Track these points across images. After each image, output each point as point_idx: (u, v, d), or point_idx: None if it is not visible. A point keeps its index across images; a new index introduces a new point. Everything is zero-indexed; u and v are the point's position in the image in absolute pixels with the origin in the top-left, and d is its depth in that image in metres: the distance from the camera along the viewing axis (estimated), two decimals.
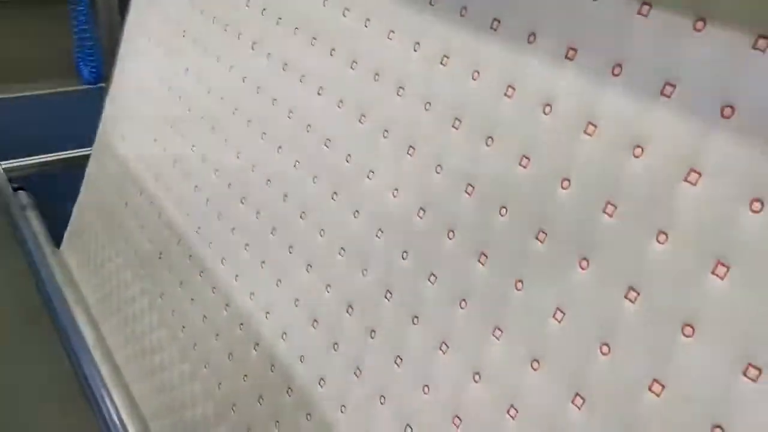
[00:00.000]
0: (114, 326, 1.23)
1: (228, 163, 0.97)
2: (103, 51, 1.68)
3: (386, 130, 0.72)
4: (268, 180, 0.88)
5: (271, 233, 0.86)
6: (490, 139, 0.61)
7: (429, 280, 0.64)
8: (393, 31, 0.72)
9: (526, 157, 0.57)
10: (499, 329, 0.58)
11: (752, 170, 0.42)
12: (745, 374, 0.41)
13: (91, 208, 1.39)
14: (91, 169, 1.42)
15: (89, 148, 1.44)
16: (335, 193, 0.77)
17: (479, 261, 0.60)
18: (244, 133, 0.94)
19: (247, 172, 0.92)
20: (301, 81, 0.85)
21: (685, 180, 0.46)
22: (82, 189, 1.44)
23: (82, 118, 1.47)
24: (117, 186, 1.28)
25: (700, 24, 0.46)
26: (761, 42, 0.42)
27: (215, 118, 1.01)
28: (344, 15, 0.79)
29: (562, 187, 0.54)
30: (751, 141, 0.43)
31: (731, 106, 0.44)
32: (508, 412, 0.56)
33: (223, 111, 1.00)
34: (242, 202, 0.92)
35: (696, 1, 0.46)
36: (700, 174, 0.45)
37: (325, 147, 0.80)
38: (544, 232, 0.55)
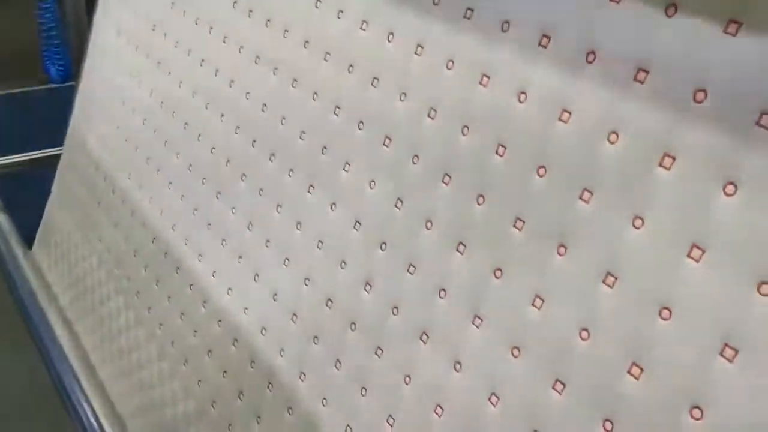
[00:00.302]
0: (89, 326, 1.21)
1: (202, 159, 0.96)
2: (70, 49, 1.65)
3: (361, 122, 0.71)
4: (243, 174, 0.87)
5: (248, 228, 0.85)
6: (465, 128, 0.61)
7: (408, 270, 0.64)
8: (366, 22, 0.72)
9: (502, 146, 0.57)
10: (478, 317, 0.58)
11: (725, 153, 0.43)
12: (722, 355, 0.42)
13: (63, 208, 1.36)
14: (62, 168, 1.40)
15: (59, 148, 1.41)
16: (311, 186, 0.77)
17: (457, 250, 0.60)
18: (217, 128, 0.93)
19: (221, 167, 0.91)
20: (274, 73, 0.84)
21: (660, 165, 0.46)
22: (54, 188, 1.42)
23: (50, 118, 1.45)
24: (89, 184, 1.26)
25: (671, 10, 0.46)
26: (731, 26, 0.43)
27: (188, 113, 1.00)
28: (316, 6, 0.79)
29: (539, 175, 0.54)
30: (724, 125, 0.43)
31: (703, 90, 0.44)
32: (489, 399, 0.56)
33: (195, 106, 0.98)
34: (217, 198, 0.92)
35: None
36: (674, 158, 0.46)
37: (300, 140, 0.79)
38: (521, 220, 0.55)
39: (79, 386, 1.09)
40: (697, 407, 0.43)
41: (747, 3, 0.42)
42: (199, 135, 0.97)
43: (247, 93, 0.88)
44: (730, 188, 0.43)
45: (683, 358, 0.44)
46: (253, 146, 0.87)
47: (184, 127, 1.01)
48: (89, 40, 1.33)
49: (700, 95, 0.44)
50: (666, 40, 0.46)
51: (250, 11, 0.89)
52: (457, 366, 0.59)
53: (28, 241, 1.46)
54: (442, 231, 0.62)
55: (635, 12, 0.48)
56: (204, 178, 0.95)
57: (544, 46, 0.55)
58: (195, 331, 0.92)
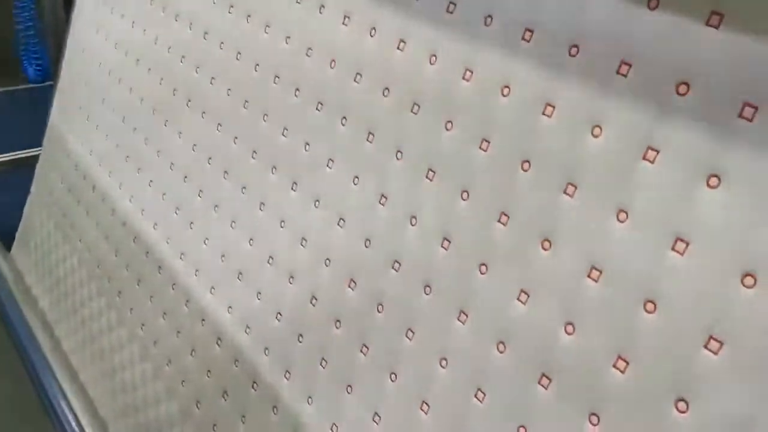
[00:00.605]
0: (70, 328, 1.19)
1: (183, 156, 0.94)
2: (48, 49, 1.62)
3: (344, 117, 0.71)
4: (226, 172, 0.86)
5: (231, 226, 0.85)
6: (449, 123, 0.60)
7: (393, 267, 0.64)
8: (348, 17, 0.71)
9: (486, 140, 0.57)
10: (464, 313, 0.57)
11: (708, 146, 0.43)
12: (707, 347, 0.42)
13: (42, 208, 1.34)
14: (41, 167, 1.37)
15: (38, 149, 1.39)
16: (295, 183, 0.76)
17: (442, 246, 0.60)
18: (198, 125, 0.92)
19: (203, 164, 0.90)
20: (256, 69, 0.83)
21: (644, 158, 0.46)
22: (32, 188, 1.39)
23: (28, 118, 1.42)
24: (69, 183, 1.24)
25: (653, 3, 0.46)
26: (714, 18, 0.43)
27: (169, 110, 0.99)
28: (298, 2, 0.78)
29: (523, 169, 0.54)
30: (706, 117, 0.43)
31: (686, 83, 0.44)
32: (475, 395, 0.56)
33: (176, 103, 0.97)
34: (199, 196, 0.90)
35: None
36: (657, 152, 0.46)
37: (283, 136, 0.78)
38: (506, 215, 0.55)
39: (60, 389, 1.08)
40: (682, 400, 0.43)
41: None
42: (180, 132, 0.96)
43: (229, 89, 0.87)
44: (713, 180, 0.43)
45: (668, 350, 0.44)
46: (235, 143, 0.86)
47: (165, 124, 0.99)
48: (67, 38, 1.31)
49: (683, 88, 0.44)
50: (648, 33, 0.46)
51: (231, 7, 0.88)
52: (443, 362, 0.59)
53: (10, 243, 1.43)
54: (426, 227, 0.62)
55: (617, 5, 0.48)
56: (186, 176, 0.94)
57: (527, 40, 0.54)
58: (178, 331, 0.91)
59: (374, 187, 0.67)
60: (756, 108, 0.41)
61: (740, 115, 0.41)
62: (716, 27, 0.43)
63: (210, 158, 0.90)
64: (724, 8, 0.42)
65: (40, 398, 1.07)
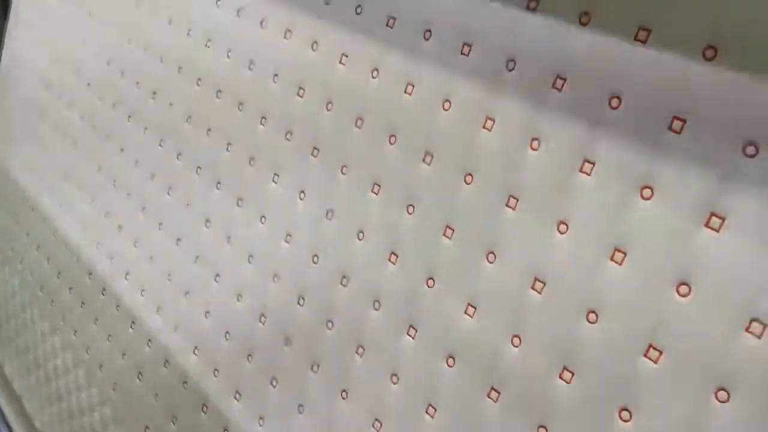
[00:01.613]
0: (12, 353, 1.15)
1: (125, 174, 0.92)
2: None
3: (289, 132, 0.70)
4: (170, 188, 0.85)
5: (176, 244, 0.83)
6: (392, 137, 0.60)
7: (341, 283, 0.63)
8: (290, 31, 0.71)
9: (429, 154, 0.57)
10: (413, 328, 0.57)
11: (641, 158, 0.44)
12: (646, 355, 0.43)
13: None
14: None
15: None
16: (240, 199, 0.75)
17: (390, 260, 0.60)
18: (140, 141, 0.90)
19: (147, 180, 0.88)
20: (198, 84, 0.82)
21: (581, 170, 0.47)
22: None
23: None
24: (7, 203, 1.19)
25: (585, 18, 0.47)
26: (641, 33, 0.44)
27: (109, 126, 0.96)
28: (238, 16, 0.77)
29: (466, 183, 0.54)
30: (638, 129, 0.44)
31: (618, 97, 0.45)
32: (426, 411, 0.56)
33: (117, 119, 0.95)
34: (143, 212, 0.88)
35: None
36: (593, 164, 0.46)
37: (226, 151, 0.77)
38: (451, 228, 0.55)
39: (2, 416, 1.04)
40: (626, 409, 0.44)
41: (652, 12, 0.43)
42: (122, 148, 0.93)
43: (171, 104, 0.86)
44: (647, 191, 0.44)
45: (611, 360, 0.45)
46: (178, 159, 0.84)
47: (106, 139, 0.97)
48: (1, 56, 1.26)
49: (615, 102, 0.45)
50: (581, 49, 0.47)
51: (170, 21, 0.86)
52: (394, 378, 0.58)
53: None
54: (374, 241, 0.61)
55: (551, 21, 0.49)
56: (128, 193, 0.91)
57: (466, 54, 0.55)
58: (123, 354, 0.89)
59: (321, 203, 0.66)
60: (684, 121, 0.42)
61: (670, 128, 0.42)
62: (644, 42, 0.44)
63: (153, 175, 0.88)
64: (651, 24, 0.43)
65: None
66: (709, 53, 0.41)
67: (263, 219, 0.72)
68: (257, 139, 0.74)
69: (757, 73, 0.38)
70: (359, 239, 0.63)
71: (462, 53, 0.55)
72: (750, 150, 0.39)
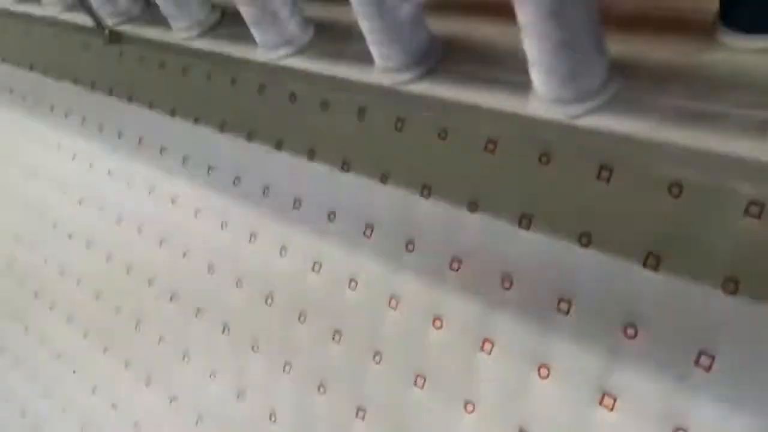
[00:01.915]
0: None
1: (31, 357, 0.87)
2: None
3: (198, 309, 0.69)
4: (74, 371, 0.81)
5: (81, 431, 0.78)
6: (302, 316, 0.61)
7: None
8: (199, 211, 0.72)
9: (338, 333, 0.58)
10: None
11: (535, 338, 0.46)
12: None
13: None
14: None
15: None
16: (149, 378, 0.72)
17: None
18: (47, 320, 0.87)
19: (49, 363, 0.84)
20: (107, 261, 0.81)
21: (482, 349, 0.48)
22: None
23: None
24: None
25: (473, 207, 0.50)
26: (524, 221, 0.47)
27: (18, 303, 0.92)
28: (149, 194, 0.78)
29: (375, 362, 0.54)
30: (531, 312, 0.46)
31: (509, 279, 0.47)
32: None
33: (23, 296, 0.91)
34: (45, 400, 0.83)
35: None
36: (493, 343, 0.48)
37: (135, 330, 0.75)
38: (363, 410, 0.55)
39: None
40: None
41: (535, 204, 0.47)
42: (26, 327, 0.89)
43: (79, 281, 0.84)
44: (543, 371, 0.45)
45: None
46: (85, 338, 0.81)
47: (10, 320, 0.92)
48: None
49: (507, 283, 0.47)
50: (471, 234, 0.50)
51: (80, 202, 0.87)
52: None
53: None
54: (286, 424, 0.60)
55: (442, 207, 0.52)
56: (30, 376, 0.86)
57: (368, 236, 0.57)
58: None
59: (230, 387, 0.64)
60: (570, 302, 0.44)
61: (557, 309, 0.45)
62: (527, 229, 0.47)
63: (58, 356, 0.84)
64: (533, 212, 0.47)
65: None
66: (584, 240, 0.44)
67: (174, 400, 0.69)
68: (167, 318, 0.72)
69: (628, 259, 0.41)
70: (272, 420, 0.61)
71: (365, 235, 0.57)
72: (630, 332, 0.41)
